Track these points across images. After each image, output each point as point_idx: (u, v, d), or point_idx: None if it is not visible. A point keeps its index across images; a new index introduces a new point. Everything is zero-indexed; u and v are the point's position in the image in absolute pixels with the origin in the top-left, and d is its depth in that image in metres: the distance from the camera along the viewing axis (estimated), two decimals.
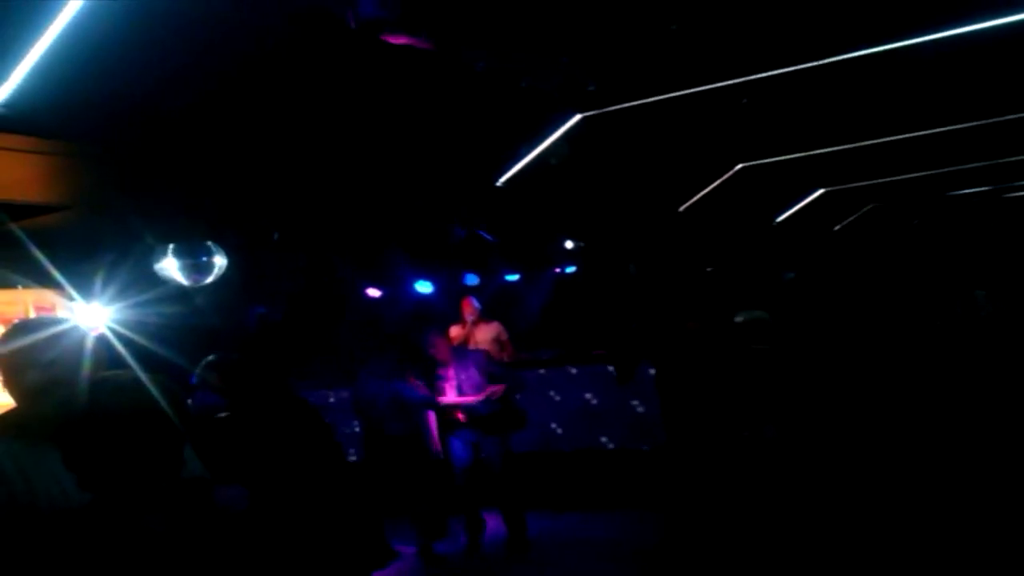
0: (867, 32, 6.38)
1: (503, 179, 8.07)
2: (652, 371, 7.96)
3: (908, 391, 8.58)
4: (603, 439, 8.51)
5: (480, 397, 6.84)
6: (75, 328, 2.62)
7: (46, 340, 2.52)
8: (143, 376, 2.22)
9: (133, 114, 4.74)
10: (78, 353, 2.54)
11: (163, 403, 2.14)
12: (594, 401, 8.59)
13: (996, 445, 7.25)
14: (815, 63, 6.74)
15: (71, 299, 5.94)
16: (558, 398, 8.73)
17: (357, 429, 8.07)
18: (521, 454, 7.59)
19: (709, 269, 13.60)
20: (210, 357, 5.01)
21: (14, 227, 5.22)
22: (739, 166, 10.64)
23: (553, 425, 8.72)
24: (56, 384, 2.47)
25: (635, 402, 8.36)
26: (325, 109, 5.81)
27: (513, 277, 11.26)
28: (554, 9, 5.22)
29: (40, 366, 2.48)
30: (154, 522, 2.07)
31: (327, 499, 4.19)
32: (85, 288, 6.01)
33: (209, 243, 6.48)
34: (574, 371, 8.71)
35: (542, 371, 8.83)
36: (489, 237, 9.50)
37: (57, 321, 2.65)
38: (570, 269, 11.73)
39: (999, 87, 8.39)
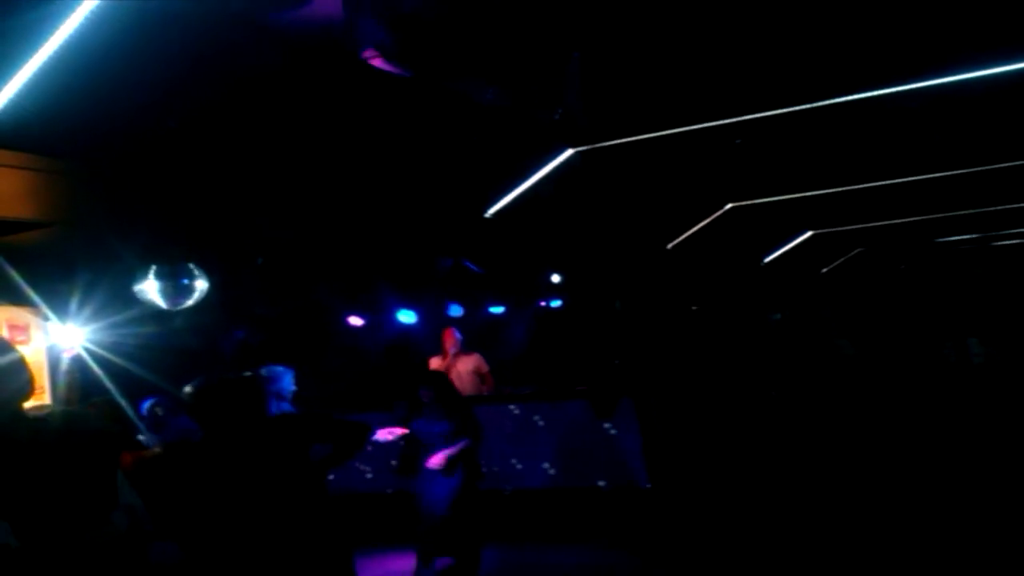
0: (860, 78, 6.41)
1: (492, 211, 8.03)
2: (632, 406, 7.90)
3: (905, 437, 8.56)
4: (586, 476, 8.40)
5: (439, 463, 6.62)
6: (11, 352, 2.50)
7: None
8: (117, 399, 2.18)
9: (120, 134, 4.69)
10: (15, 377, 2.45)
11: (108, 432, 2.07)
12: (574, 437, 8.48)
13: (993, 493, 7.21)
14: (808, 106, 6.76)
15: (46, 318, 5.82)
16: (537, 432, 8.62)
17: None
18: (498, 491, 7.47)
19: (695, 308, 13.58)
20: (188, 386, 4.88)
21: None
22: (729, 205, 10.64)
23: (544, 463, 8.60)
24: None
25: (613, 434, 8.25)
26: (314, 136, 5.77)
27: (498, 309, 11.18)
28: (551, 40, 5.21)
29: None
30: (119, 519, 1.98)
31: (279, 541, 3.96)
32: (61, 308, 5.90)
33: (191, 266, 6.38)
34: (554, 406, 8.61)
35: (513, 408, 8.71)
36: (475, 268, 9.43)
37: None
38: (555, 303, 11.67)
39: (988, 136, 8.43)
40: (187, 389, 4.31)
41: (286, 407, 5.57)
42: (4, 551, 2.18)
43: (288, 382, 5.66)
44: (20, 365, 2.47)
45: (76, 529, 2.14)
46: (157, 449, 5.28)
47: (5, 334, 5.58)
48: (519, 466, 8.40)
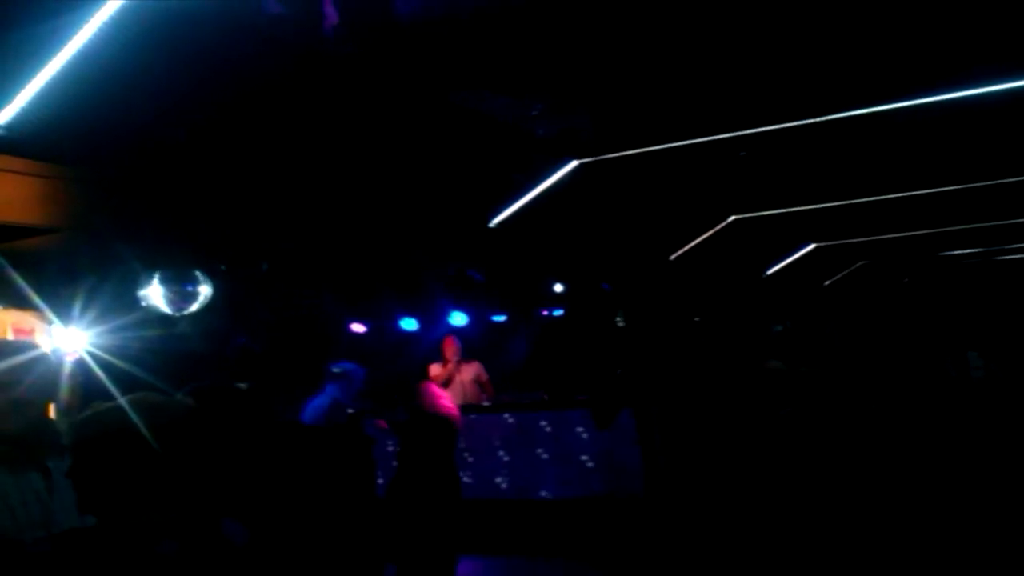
0: (864, 93, 6.42)
1: (496, 220, 8.05)
2: (632, 417, 7.91)
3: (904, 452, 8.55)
4: (585, 486, 8.40)
5: None
6: (46, 353, 2.65)
7: (15, 363, 2.54)
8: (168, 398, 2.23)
9: (127, 142, 4.72)
10: (47, 377, 2.59)
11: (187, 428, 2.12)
12: (574, 446, 8.49)
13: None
14: (812, 120, 6.78)
15: (50, 322, 5.85)
16: (536, 442, 8.63)
17: None
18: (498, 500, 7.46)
19: (697, 319, 13.58)
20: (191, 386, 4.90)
21: None
22: (732, 218, 10.65)
23: (542, 472, 8.60)
24: (23, 405, 2.49)
25: (613, 444, 8.25)
26: (320, 144, 5.79)
27: (500, 318, 11.20)
28: (557, 57, 5.23)
29: (7, 388, 2.50)
30: (164, 547, 2.00)
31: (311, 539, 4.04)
32: (66, 311, 5.93)
33: (196, 271, 6.41)
34: (554, 415, 8.62)
35: (511, 417, 8.71)
36: (479, 277, 9.45)
37: (28, 346, 2.67)
38: (558, 312, 11.67)
39: (991, 151, 8.44)
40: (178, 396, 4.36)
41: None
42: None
43: (358, 381, 5.80)
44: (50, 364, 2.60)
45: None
46: None
47: (11, 336, 5.62)
48: (517, 475, 8.41)
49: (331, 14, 4.53)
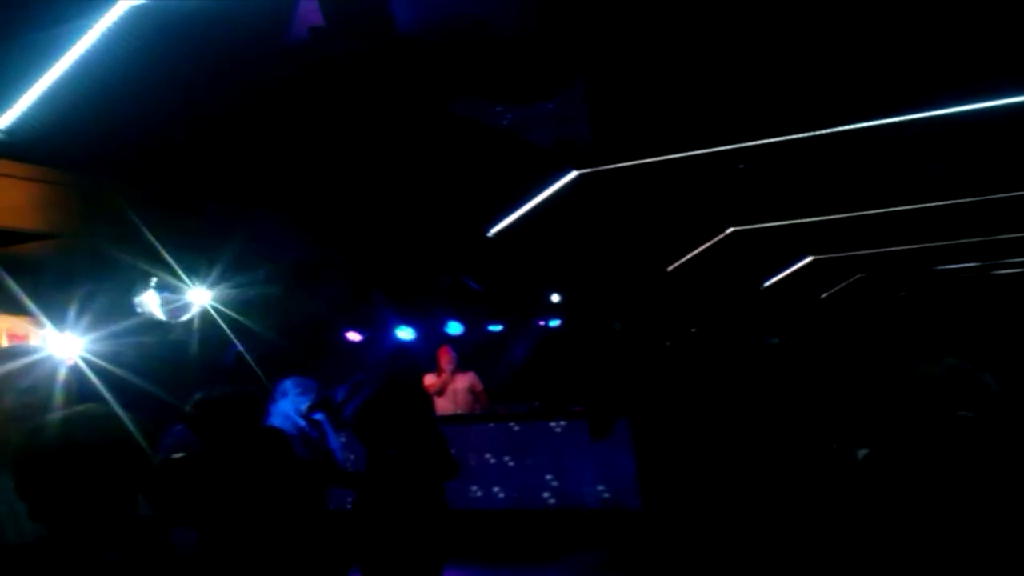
0: (862, 107, 6.43)
1: (494, 230, 8.04)
2: (628, 427, 7.87)
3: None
4: (580, 496, 8.37)
5: None
6: (51, 357, 2.66)
7: (25, 368, 2.56)
8: (116, 409, 2.20)
9: (126, 148, 4.71)
10: (53, 382, 2.59)
11: (137, 437, 2.11)
12: (568, 456, 8.45)
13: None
14: (811, 134, 6.79)
15: (44, 328, 5.81)
16: (531, 452, 8.60)
17: None
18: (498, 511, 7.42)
19: (693, 330, 13.57)
20: (198, 395, 4.89)
21: None
22: (730, 230, 10.66)
23: (537, 482, 8.57)
24: (30, 410, 2.47)
25: (608, 455, 8.22)
26: (319, 151, 5.78)
27: (496, 327, 11.17)
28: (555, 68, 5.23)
29: (17, 392, 2.51)
30: (109, 557, 2.00)
31: (283, 546, 4.03)
32: (59, 318, 5.89)
33: (192, 279, 6.39)
34: (549, 425, 8.59)
35: (498, 426, 8.67)
36: (475, 286, 9.44)
37: (36, 350, 2.68)
38: (554, 323, 11.65)
39: (989, 166, 8.46)
40: (191, 402, 4.37)
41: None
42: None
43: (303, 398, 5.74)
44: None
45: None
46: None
47: (5, 343, 5.58)
48: (511, 485, 8.38)
49: (309, 16, 4.53)
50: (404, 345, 8.36)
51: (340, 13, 4.54)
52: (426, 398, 8.93)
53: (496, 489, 8.45)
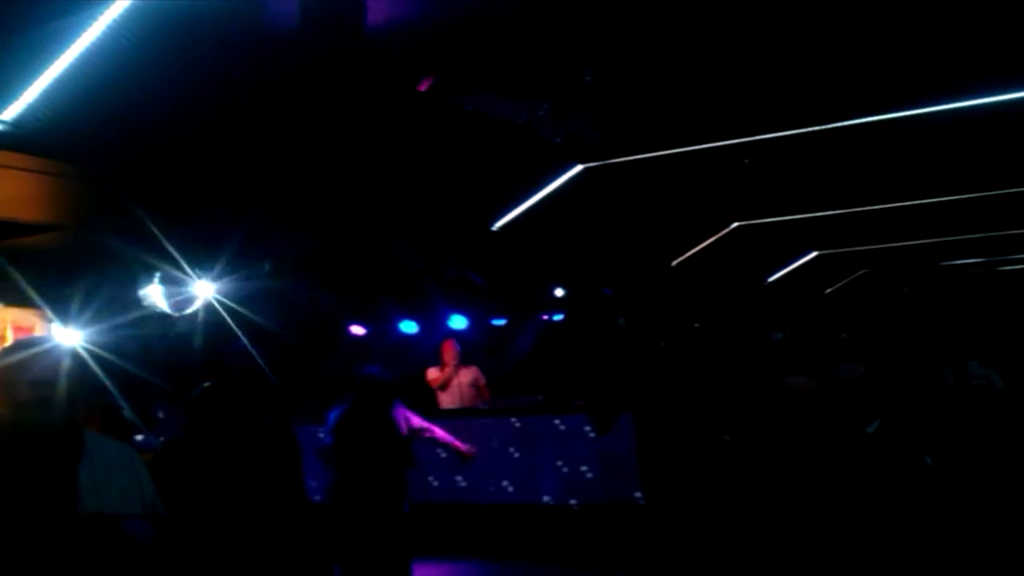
0: (868, 101, 6.42)
1: (499, 224, 8.03)
2: (631, 422, 7.85)
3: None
4: (583, 492, 8.38)
5: None
6: (61, 348, 2.65)
7: (39, 357, 2.54)
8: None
9: (131, 141, 4.71)
10: (64, 373, 2.56)
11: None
12: (572, 451, 8.45)
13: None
14: (816, 128, 6.77)
15: (49, 320, 5.84)
16: (534, 447, 8.60)
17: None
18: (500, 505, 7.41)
19: (697, 325, 13.54)
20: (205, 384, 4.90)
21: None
22: (735, 224, 10.65)
23: (538, 477, 8.57)
24: (45, 402, 2.48)
25: (611, 450, 8.21)
26: (324, 145, 5.78)
27: (500, 321, 11.17)
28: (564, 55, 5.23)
29: (31, 384, 2.49)
30: (68, 559, 2.01)
31: (266, 538, 4.04)
32: (63, 309, 5.91)
33: (197, 272, 6.40)
34: (552, 419, 8.58)
35: (503, 421, 8.66)
36: (479, 280, 9.43)
37: (47, 340, 2.73)
38: (558, 317, 11.65)
39: (995, 161, 8.44)
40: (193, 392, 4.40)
41: None
42: None
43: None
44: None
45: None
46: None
47: (10, 335, 5.61)
48: (514, 480, 8.38)
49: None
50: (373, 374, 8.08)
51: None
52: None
53: (505, 483, 8.45)
